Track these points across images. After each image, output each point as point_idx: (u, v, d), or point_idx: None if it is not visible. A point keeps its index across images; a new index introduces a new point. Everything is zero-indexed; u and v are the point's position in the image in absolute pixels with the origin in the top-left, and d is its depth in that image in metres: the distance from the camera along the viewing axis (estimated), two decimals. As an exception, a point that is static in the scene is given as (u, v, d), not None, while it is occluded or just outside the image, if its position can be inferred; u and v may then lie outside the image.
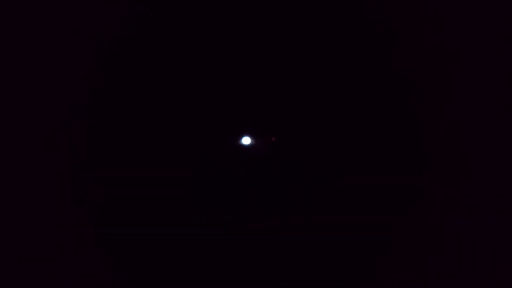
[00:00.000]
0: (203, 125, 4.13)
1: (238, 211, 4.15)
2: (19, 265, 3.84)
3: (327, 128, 4.13)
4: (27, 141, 3.89)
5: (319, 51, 4.09)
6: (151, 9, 4.00)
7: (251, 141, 4.17)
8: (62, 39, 3.90)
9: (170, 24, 4.04)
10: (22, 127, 3.89)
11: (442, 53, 3.94)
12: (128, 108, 4.05)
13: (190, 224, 4.08)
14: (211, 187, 4.15)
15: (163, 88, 4.09)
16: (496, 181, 3.87)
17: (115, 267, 3.99)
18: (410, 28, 3.97)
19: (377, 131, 4.09)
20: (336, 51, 4.08)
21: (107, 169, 4.03)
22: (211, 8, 4.04)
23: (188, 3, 4.02)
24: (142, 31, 4.02)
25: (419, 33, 3.96)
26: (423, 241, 3.95)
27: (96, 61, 3.98)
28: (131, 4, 3.96)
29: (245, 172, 4.18)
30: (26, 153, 3.90)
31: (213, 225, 4.11)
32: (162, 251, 4.03)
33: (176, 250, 4.04)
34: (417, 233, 3.97)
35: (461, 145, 3.94)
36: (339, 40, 4.06)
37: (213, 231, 4.10)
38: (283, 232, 4.11)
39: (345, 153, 4.12)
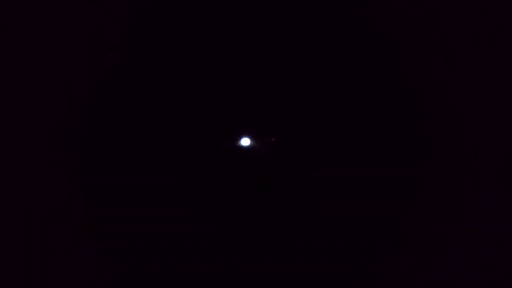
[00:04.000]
0: (202, 126, 4.14)
1: (238, 212, 4.14)
2: (19, 265, 3.85)
3: (328, 128, 4.13)
4: (26, 141, 3.91)
5: (318, 50, 4.10)
6: (151, 9, 4.03)
7: (250, 142, 4.17)
8: (62, 39, 3.93)
9: (169, 24, 4.06)
10: (22, 127, 3.92)
11: (443, 50, 3.95)
12: (127, 108, 4.07)
13: (189, 225, 4.08)
14: (210, 188, 4.15)
15: (162, 89, 4.10)
16: (498, 180, 3.86)
17: (113, 267, 3.99)
18: (410, 26, 3.97)
19: (377, 130, 4.08)
20: (334, 50, 4.08)
21: (106, 169, 4.05)
22: (210, 8, 4.06)
23: (188, 2, 4.05)
24: (141, 31, 4.05)
25: (419, 30, 3.96)
26: (423, 244, 3.93)
27: (96, 61, 4.01)
28: (131, 4, 3.99)
29: (245, 173, 4.17)
30: (26, 153, 3.92)
31: (213, 226, 4.10)
32: (161, 251, 4.03)
33: (175, 250, 4.03)
34: (417, 236, 3.95)
35: (462, 145, 3.93)
36: (337, 39, 4.07)
37: (212, 232, 4.09)
38: (283, 232, 4.10)
39: (346, 153, 4.12)
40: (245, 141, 4.18)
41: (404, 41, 3.97)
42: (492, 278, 3.76)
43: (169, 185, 4.09)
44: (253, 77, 4.14)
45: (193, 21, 4.06)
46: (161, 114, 4.10)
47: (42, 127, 3.94)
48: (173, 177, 4.10)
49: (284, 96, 4.14)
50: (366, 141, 4.07)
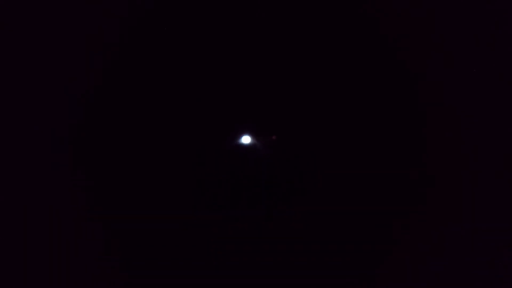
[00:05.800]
0: (203, 124, 4.14)
1: (238, 210, 4.15)
2: (19, 265, 3.86)
3: (328, 126, 4.13)
4: (27, 141, 3.92)
5: (318, 50, 4.10)
6: (151, 10, 4.02)
7: (251, 140, 4.17)
8: (62, 39, 3.92)
9: (170, 24, 4.06)
10: (22, 127, 3.92)
11: (443, 50, 3.94)
12: (128, 107, 4.07)
13: (190, 223, 4.08)
14: (211, 186, 4.15)
15: (163, 88, 4.10)
16: (496, 180, 3.86)
17: (114, 267, 4.00)
18: (410, 26, 3.97)
19: (377, 131, 4.08)
20: (335, 50, 4.08)
21: (106, 169, 4.05)
22: (211, 8, 4.06)
23: (189, 3, 4.04)
24: (142, 31, 4.04)
25: (419, 30, 3.96)
26: (423, 244, 3.94)
27: (96, 61, 4.00)
28: (131, 4, 3.98)
29: (245, 171, 4.18)
30: (26, 153, 3.92)
31: (214, 224, 4.11)
32: (162, 250, 4.03)
33: (176, 249, 4.04)
34: (417, 236, 3.96)
35: (462, 145, 3.94)
36: (337, 39, 4.06)
37: (213, 230, 4.10)
38: (282, 231, 4.10)
39: (345, 153, 4.12)
40: (246, 139, 4.18)
41: (404, 41, 3.97)
42: (492, 278, 3.77)
43: (170, 184, 4.09)
44: (254, 76, 4.14)
45: (193, 20, 4.05)
46: (161, 112, 4.10)
47: (42, 127, 3.93)
48: (173, 175, 4.10)
49: (284, 95, 4.14)
50: (366, 141, 4.07)
